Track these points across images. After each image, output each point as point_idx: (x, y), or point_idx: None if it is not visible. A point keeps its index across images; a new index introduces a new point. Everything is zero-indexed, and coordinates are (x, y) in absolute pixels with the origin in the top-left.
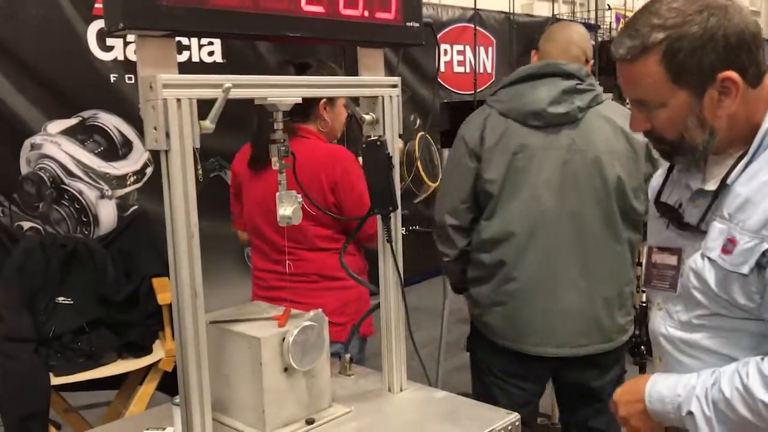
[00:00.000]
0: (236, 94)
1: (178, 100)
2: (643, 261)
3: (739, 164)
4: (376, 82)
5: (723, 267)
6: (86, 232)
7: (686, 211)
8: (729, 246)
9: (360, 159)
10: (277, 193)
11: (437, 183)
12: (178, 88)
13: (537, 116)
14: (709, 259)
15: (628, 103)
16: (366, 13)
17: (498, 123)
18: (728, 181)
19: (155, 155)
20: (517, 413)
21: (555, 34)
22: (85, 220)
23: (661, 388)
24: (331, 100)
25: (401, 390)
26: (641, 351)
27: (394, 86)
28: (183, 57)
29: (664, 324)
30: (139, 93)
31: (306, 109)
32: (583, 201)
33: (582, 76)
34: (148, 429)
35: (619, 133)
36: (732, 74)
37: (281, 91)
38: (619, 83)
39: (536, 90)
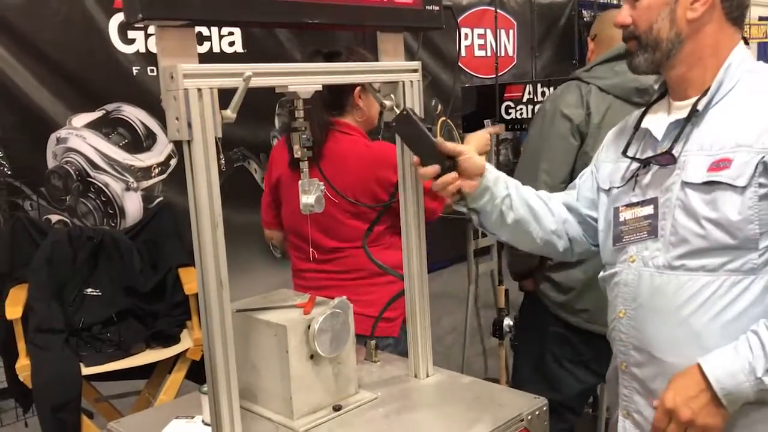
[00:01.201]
0: (257, 82)
1: (199, 89)
2: (612, 223)
3: (707, 94)
4: (396, 68)
5: (716, 181)
6: (113, 224)
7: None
8: (723, 164)
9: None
10: (300, 182)
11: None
12: (199, 77)
13: (642, 93)
14: (692, 184)
15: None
16: None
17: (601, 99)
18: (699, 107)
19: (179, 146)
20: (544, 398)
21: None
22: (111, 212)
23: (722, 364)
24: (364, 88)
25: (427, 376)
26: None
27: (415, 71)
28: (204, 48)
29: (638, 273)
30: (160, 84)
31: (341, 100)
32: None
33: None
34: (177, 417)
35: None
36: None
37: (302, 78)
38: None
39: None
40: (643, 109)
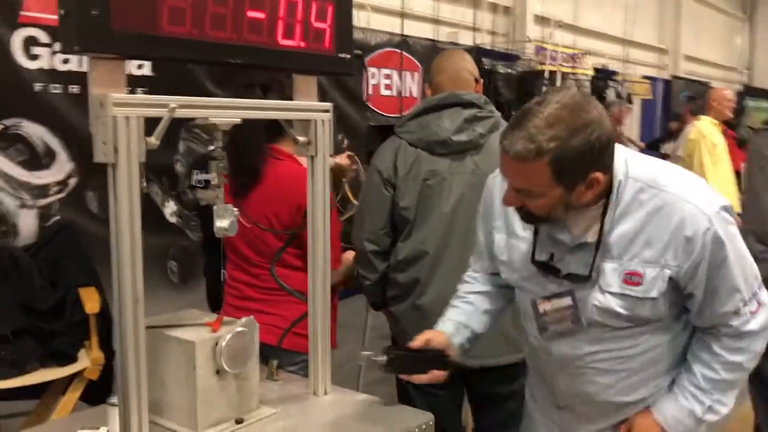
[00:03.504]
0: (181, 113)
1: (127, 117)
2: (530, 317)
3: (608, 215)
4: (309, 107)
5: (632, 296)
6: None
7: (564, 261)
8: (636, 279)
9: None
10: (215, 207)
11: None
12: (128, 106)
13: (443, 145)
14: (610, 293)
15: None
16: (302, 44)
17: (409, 153)
18: (606, 231)
19: (86, 167)
20: (431, 414)
21: (443, 65)
22: (3, 229)
23: (668, 412)
24: None
25: (326, 393)
26: None
27: (326, 111)
28: None
29: (571, 345)
30: (89, 109)
31: (279, 126)
32: None
33: (481, 104)
34: (82, 428)
35: None
36: (599, 175)
37: (222, 112)
38: (501, 172)
39: (440, 120)
40: None
